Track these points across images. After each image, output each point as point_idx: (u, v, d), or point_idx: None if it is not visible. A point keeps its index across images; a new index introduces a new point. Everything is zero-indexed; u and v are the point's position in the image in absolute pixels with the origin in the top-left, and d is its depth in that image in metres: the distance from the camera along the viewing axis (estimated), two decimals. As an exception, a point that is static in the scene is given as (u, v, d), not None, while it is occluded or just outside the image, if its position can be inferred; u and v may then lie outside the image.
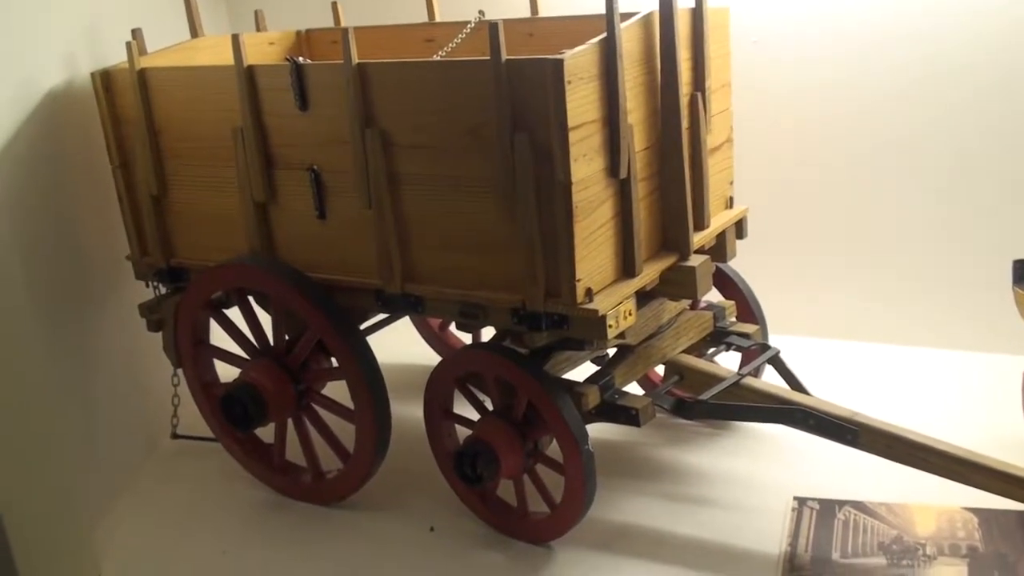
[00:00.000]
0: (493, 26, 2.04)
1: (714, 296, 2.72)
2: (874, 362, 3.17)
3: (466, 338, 3.26)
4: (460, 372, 2.43)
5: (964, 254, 3.09)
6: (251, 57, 2.41)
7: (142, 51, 2.64)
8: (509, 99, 2.06)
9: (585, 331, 2.16)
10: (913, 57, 2.99)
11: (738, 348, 2.64)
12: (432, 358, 3.34)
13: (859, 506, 2.41)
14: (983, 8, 2.87)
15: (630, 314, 2.21)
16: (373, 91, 2.23)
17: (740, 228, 2.60)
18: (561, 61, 1.98)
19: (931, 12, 2.93)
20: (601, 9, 2.12)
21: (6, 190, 2.45)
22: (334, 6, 3.11)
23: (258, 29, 3.09)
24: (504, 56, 2.04)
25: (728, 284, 2.77)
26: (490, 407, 2.42)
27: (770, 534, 2.36)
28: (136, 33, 2.66)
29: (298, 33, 3.16)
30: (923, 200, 3.11)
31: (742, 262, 2.69)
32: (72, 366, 2.68)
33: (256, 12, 3.09)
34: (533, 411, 2.29)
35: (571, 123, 2.02)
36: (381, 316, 2.94)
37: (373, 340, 2.58)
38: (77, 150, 2.75)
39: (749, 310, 2.74)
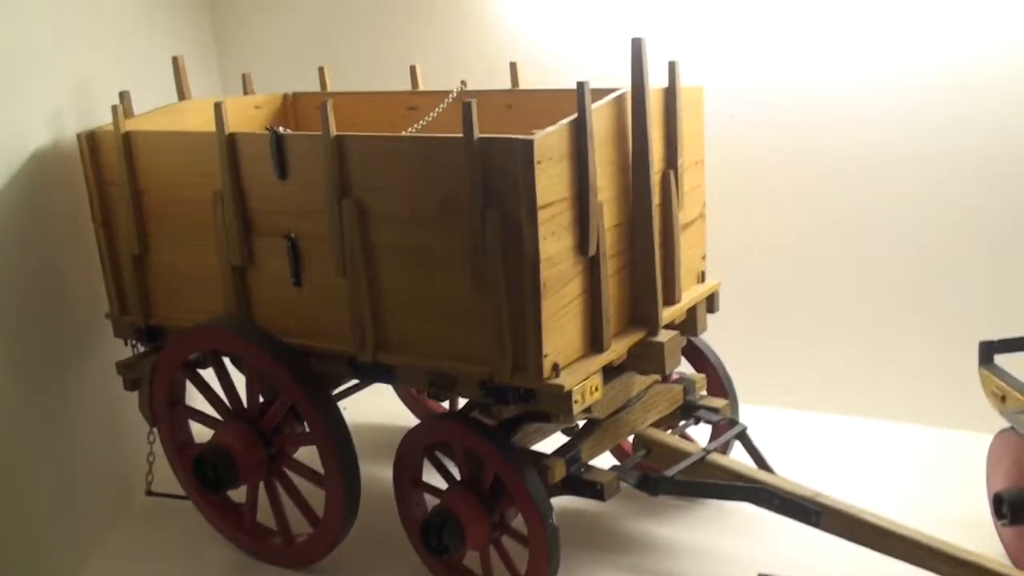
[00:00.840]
0: (467, 104, 2.08)
1: (686, 367, 2.75)
2: (843, 435, 3.19)
3: (445, 404, 3.28)
4: (429, 441, 2.45)
5: (933, 332, 3.12)
6: (236, 121, 2.46)
7: (128, 113, 2.69)
8: (481, 176, 2.10)
9: (551, 405, 2.18)
10: (888, 133, 3.05)
11: (707, 422, 2.66)
12: (408, 419, 3.35)
13: (823, 585, 2.41)
14: (957, 84, 2.93)
15: (596, 389, 2.23)
16: (350, 162, 2.28)
17: (712, 302, 2.64)
18: (531, 141, 2.02)
19: (906, 88, 2.99)
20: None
21: (-12, 247, 2.49)
22: (321, 71, 3.16)
23: (245, 92, 3.14)
24: (476, 134, 2.08)
25: (699, 357, 2.80)
26: (458, 477, 2.43)
27: (734, 611, 2.37)
28: (123, 96, 2.72)
29: (285, 96, 3.21)
30: (894, 276, 3.15)
31: (714, 335, 2.72)
32: (49, 422, 2.69)
33: (244, 76, 3.14)
34: (500, 483, 2.31)
35: (540, 201, 2.06)
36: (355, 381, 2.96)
37: (350, 400, 2.60)
38: (61, 208, 2.78)
39: (720, 383, 2.77)
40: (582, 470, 2.35)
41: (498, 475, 2.29)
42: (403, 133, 2.67)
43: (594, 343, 2.27)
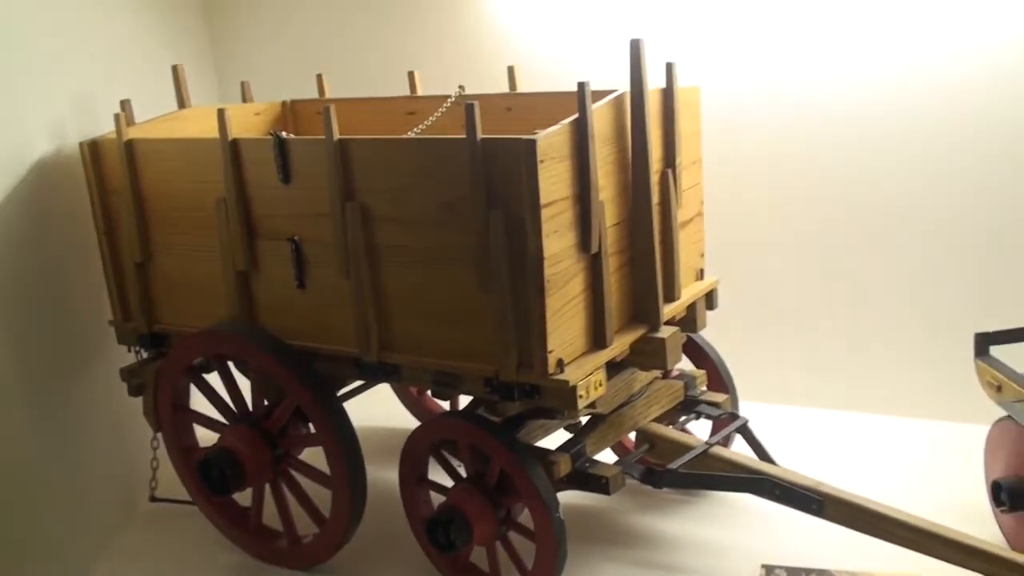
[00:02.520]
0: (469, 106, 2.11)
1: (686, 364, 2.78)
2: (841, 429, 3.23)
3: (444, 404, 3.31)
4: (435, 439, 2.47)
5: (930, 325, 3.17)
6: (237, 128, 2.48)
7: (130, 121, 2.72)
8: (484, 176, 2.13)
9: (556, 401, 2.21)
10: (885, 129, 3.09)
11: (708, 417, 2.69)
12: (410, 421, 3.38)
13: (825, 574, 2.44)
14: (954, 82, 2.98)
15: (600, 384, 2.26)
16: (353, 166, 2.30)
17: (710, 299, 2.67)
18: (534, 141, 2.06)
19: (901, 87, 3.04)
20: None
21: (-7, 256, 2.51)
22: (319, 78, 3.19)
23: (244, 100, 3.17)
24: (479, 135, 2.12)
25: (699, 353, 2.83)
26: (464, 474, 2.46)
27: (739, 602, 2.40)
28: (124, 104, 2.74)
29: (283, 103, 3.24)
30: (890, 270, 3.20)
31: (713, 331, 2.75)
32: (53, 428, 2.71)
33: (242, 83, 3.17)
34: (506, 479, 2.34)
35: (543, 200, 2.09)
36: (359, 382, 2.98)
37: (352, 403, 2.63)
38: (64, 216, 2.81)
39: (719, 379, 2.80)
40: (587, 465, 2.38)
41: (504, 471, 2.32)
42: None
43: (597, 339, 2.31)
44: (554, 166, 2.12)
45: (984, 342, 2.55)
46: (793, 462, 2.51)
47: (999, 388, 2.45)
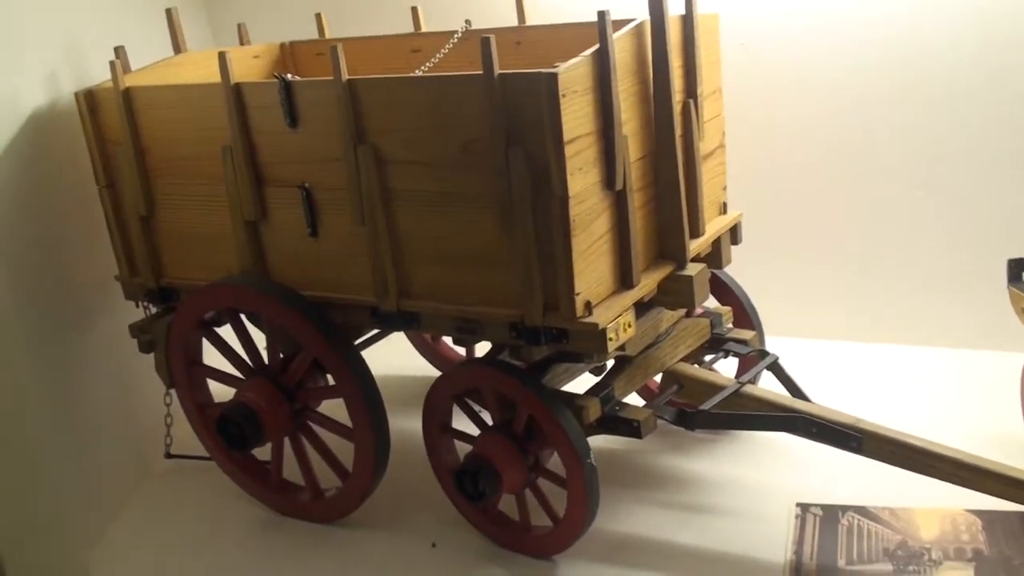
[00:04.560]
0: (485, 40, 2.01)
1: (710, 301, 2.71)
2: (871, 362, 3.17)
3: (460, 350, 3.25)
4: (459, 388, 2.41)
5: (961, 252, 3.09)
6: (237, 73, 2.38)
7: (125, 69, 2.61)
8: (503, 114, 2.04)
9: (585, 345, 2.15)
10: (908, 54, 2.99)
11: (736, 355, 2.63)
12: (427, 369, 3.32)
13: (862, 511, 2.40)
14: (977, 6, 2.87)
15: (629, 326, 2.19)
16: (364, 107, 2.21)
17: (735, 234, 2.59)
18: (555, 75, 1.96)
19: (921, 11, 2.93)
20: (588, 16, 2.11)
21: (-8, 214, 2.43)
22: (318, 17, 3.08)
23: (241, 43, 3.05)
24: (497, 71, 2.02)
25: (724, 290, 2.76)
26: (489, 422, 2.40)
27: (774, 541, 2.35)
28: (119, 51, 2.63)
29: (282, 46, 3.13)
30: (918, 198, 3.11)
31: (736, 267, 2.68)
32: (62, 389, 2.65)
33: (239, 26, 3.06)
34: (534, 425, 2.28)
35: (566, 136, 2.00)
36: (375, 331, 2.91)
37: (367, 353, 2.56)
38: (62, 171, 2.71)
39: (745, 316, 2.74)
40: (616, 408, 2.32)
41: (533, 417, 2.26)
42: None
43: (624, 279, 2.23)
44: (576, 100, 2.02)
45: (1017, 268, 2.48)
46: (821, 396, 2.45)
47: (1035, 315, 2.39)
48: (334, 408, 2.53)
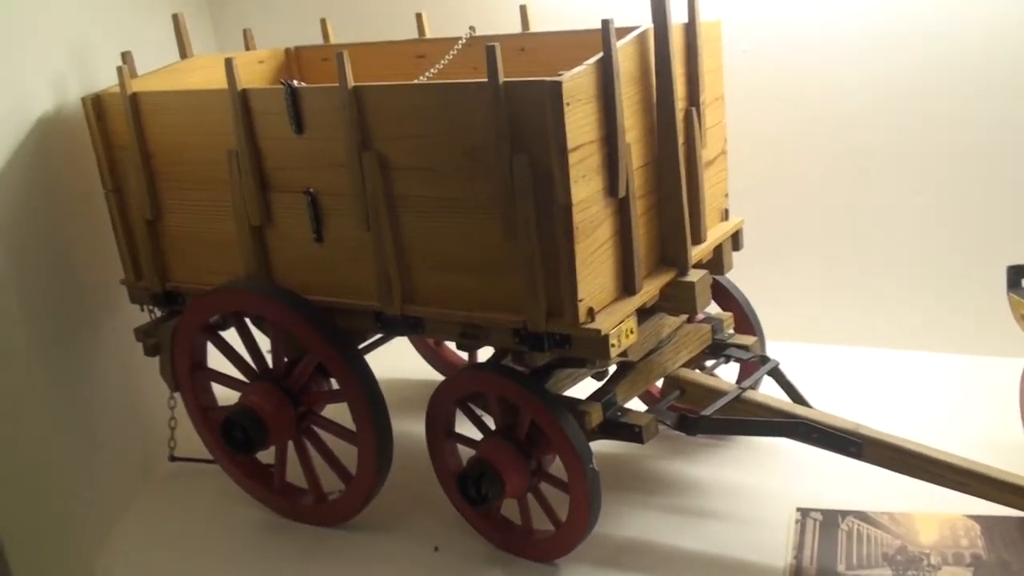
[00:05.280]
0: (490, 48, 2.03)
1: (712, 307, 2.73)
2: (871, 367, 3.18)
3: (462, 354, 3.26)
4: (462, 393, 2.43)
5: (960, 258, 3.10)
6: (242, 77, 2.39)
7: (132, 74, 2.63)
8: (507, 121, 2.05)
9: (588, 350, 2.16)
10: (907, 61, 3.01)
11: (737, 360, 2.65)
12: (430, 372, 3.34)
13: (862, 516, 2.42)
14: (979, 14, 2.89)
15: (632, 332, 2.21)
16: (369, 114, 2.23)
17: (736, 240, 2.61)
18: (560, 83, 1.98)
19: (923, 17, 2.95)
20: (591, 24, 2.12)
21: (-1, 218, 2.44)
22: (323, 23, 3.10)
23: (247, 48, 3.07)
24: (502, 78, 2.04)
25: (725, 296, 2.78)
26: (492, 426, 2.42)
27: (774, 546, 2.37)
28: (126, 56, 2.66)
29: (287, 51, 3.15)
30: (919, 204, 3.12)
31: (737, 273, 2.70)
32: (68, 392, 2.66)
33: (245, 31, 3.07)
34: (536, 430, 2.29)
35: (570, 144, 2.02)
36: (379, 335, 2.93)
37: (371, 357, 2.58)
38: (69, 175, 2.73)
39: (746, 321, 2.75)
40: (619, 413, 2.34)
41: (535, 422, 2.27)
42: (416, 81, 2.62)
43: (626, 285, 2.25)
44: (580, 108, 2.04)
45: (1016, 275, 2.49)
46: (823, 402, 2.47)
47: (1034, 322, 2.41)
48: (338, 412, 2.55)
